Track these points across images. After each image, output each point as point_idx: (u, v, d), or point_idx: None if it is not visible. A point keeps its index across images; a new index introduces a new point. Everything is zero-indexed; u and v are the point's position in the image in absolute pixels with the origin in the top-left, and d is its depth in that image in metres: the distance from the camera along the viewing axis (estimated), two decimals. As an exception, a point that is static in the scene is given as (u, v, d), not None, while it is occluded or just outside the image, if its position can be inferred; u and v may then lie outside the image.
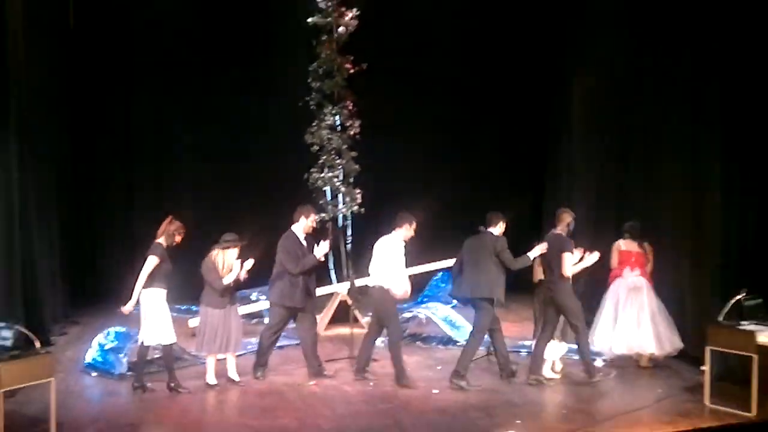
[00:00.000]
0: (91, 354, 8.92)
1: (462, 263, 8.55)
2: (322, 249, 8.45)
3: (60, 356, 8.99)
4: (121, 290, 12.26)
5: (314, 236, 8.68)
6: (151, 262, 8.21)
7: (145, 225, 12.80)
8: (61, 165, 11.38)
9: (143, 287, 8.14)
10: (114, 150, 12.77)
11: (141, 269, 8.15)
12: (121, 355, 8.74)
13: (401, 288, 8.47)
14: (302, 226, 8.67)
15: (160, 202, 12.92)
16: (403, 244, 8.64)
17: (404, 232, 8.60)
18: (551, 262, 8.45)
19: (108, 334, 9.09)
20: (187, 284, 12.16)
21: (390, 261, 8.51)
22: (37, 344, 7.17)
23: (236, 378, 8.38)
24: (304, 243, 8.60)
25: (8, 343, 6.76)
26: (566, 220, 8.63)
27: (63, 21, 12.03)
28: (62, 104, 11.65)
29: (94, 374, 8.69)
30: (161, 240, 8.40)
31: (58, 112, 11.38)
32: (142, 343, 8.20)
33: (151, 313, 8.21)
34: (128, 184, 12.88)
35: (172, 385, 8.12)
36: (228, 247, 8.51)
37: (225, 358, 8.47)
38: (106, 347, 8.88)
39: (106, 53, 12.66)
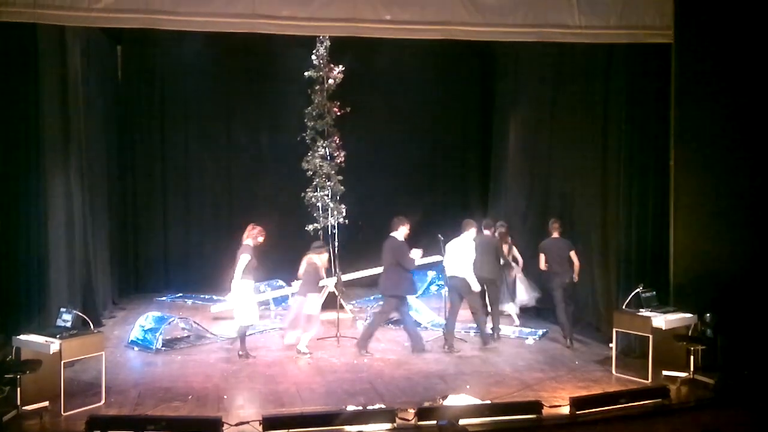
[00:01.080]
0: (134, 333, 8.85)
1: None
2: (417, 252, 8.63)
3: (109, 335, 8.92)
4: (158, 283, 12.35)
5: None
6: (244, 259, 8.34)
7: (177, 231, 12.80)
8: (111, 181, 11.30)
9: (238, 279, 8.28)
10: (152, 170, 12.65)
11: (236, 265, 8.31)
12: (158, 334, 8.65)
13: (472, 278, 8.72)
14: (402, 233, 8.75)
15: (188, 213, 12.89)
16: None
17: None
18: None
19: (147, 317, 9.01)
20: (208, 279, 12.23)
21: (464, 257, 8.75)
22: (91, 325, 7.16)
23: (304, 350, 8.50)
24: None
25: (68, 324, 6.72)
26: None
27: (113, 73, 12.04)
28: (112, 133, 11.58)
29: (135, 349, 8.62)
30: (248, 241, 8.49)
31: (109, 140, 11.29)
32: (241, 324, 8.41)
33: (244, 299, 8.34)
34: (164, 198, 12.75)
35: (241, 353, 8.27)
36: (320, 252, 8.90)
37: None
38: (146, 328, 8.80)
39: (146, 97, 12.60)
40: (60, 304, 7.51)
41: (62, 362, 6.37)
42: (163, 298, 11.80)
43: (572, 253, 8.96)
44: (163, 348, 8.57)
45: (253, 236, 8.55)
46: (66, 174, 8.69)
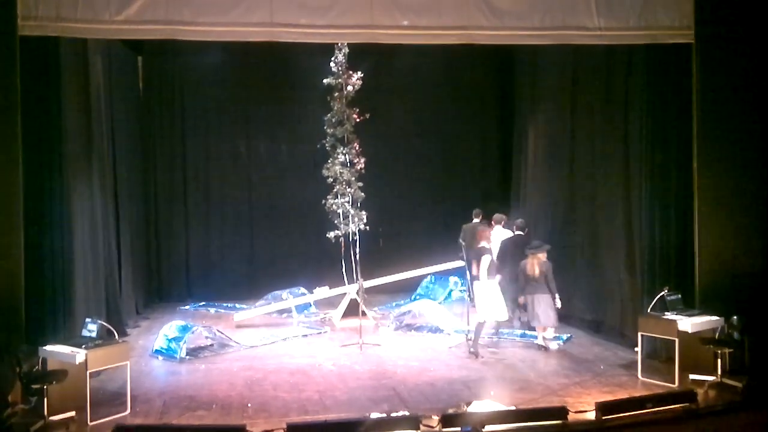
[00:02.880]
0: (158, 342, 8.92)
1: None
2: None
3: (133, 344, 8.99)
4: (181, 292, 12.45)
5: None
6: (486, 260, 8.75)
7: (199, 240, 12.90)
8: (133, 191, 11.42)
9: (485, 278, 8.74)
10: (173, 179, 12.79)
11: (480, 267, 8.76)
12: (182, 343, 8.71)
13: None
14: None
15: (209, 222, 12.99)
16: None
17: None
18: None
19: (171, 326, 9.08)
20: (230, 287, 12.31)
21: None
22: (116, 335, 7.24)
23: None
24: None
25: (94, 334, 6.79)
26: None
27: (134, 83, 12.21)
28: (134, 143, 11.72)
29: (160, 358, 8.69)
30: (483, 244, 8.89)
31: (132, 153, 11.46)
32: (481, 320, 8.76)
33: (489, 296, 8.75)
34: (185, 208, 12.88)
35: (472, 350, 8.62)
36: (538, 252, 9.03)
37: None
38: (170, 337, 8.86)
39: (167, 106, 12.73)
40: (85, 314, 7.62)
41: (88, 372, 6.44)
42: (187, 307, 11.90)
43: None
44: (187, 357, 8.64)
45: (487, 238, 8.99)
46: (89, 185, 8.80)
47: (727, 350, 7.29)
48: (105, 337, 6.97)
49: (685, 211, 8.19)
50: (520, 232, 10.13)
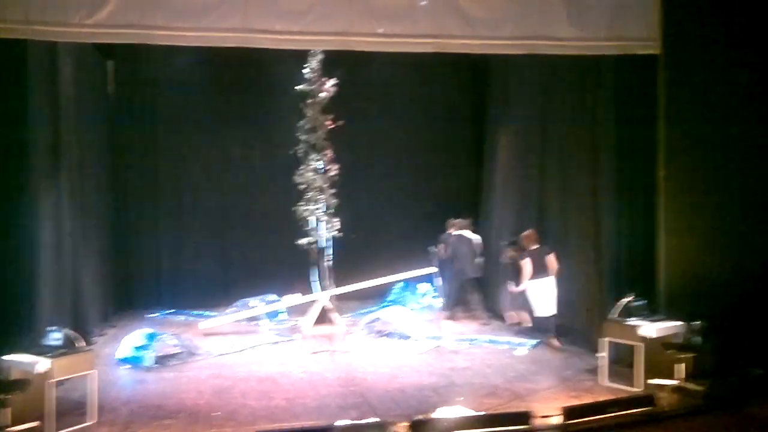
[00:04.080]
0: (124, 351, 8.86)
1: None
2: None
3: (99, 353, 8.87)
4: (149, 299, 12.35)
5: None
6: (528, 263, 9.64)
7: (168, 246, 12.83)
8: (102, 197, 11.31)
9: (530, 279, 9.62)
10: (143, 185, 12.71)
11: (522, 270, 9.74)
12: (149, 351, 8.68)
13: None
14: None
15: (180, 228, 12.91)
16: None
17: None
18: None
19: (138, 334, 9.03)
20: (200, 294, 12.25)
21: None
22: (82, 343, 7.16)
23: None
24: None
25: (58, 342, 6.72)
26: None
27: (104, 88, 12.11)
28: (103, 149, 11.61)
29: (127, 367, 8.64)
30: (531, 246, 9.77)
31: (101, 158, 11.35)
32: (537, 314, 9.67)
33: (539, 294, 9.62)
34: (155, 214, 12.79)
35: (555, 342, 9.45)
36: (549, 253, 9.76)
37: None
38: (137, 345, 8.81)
39: (137, 112, 12.67)
40: (49, 322, 7.53)
41: (52, 381, 6.38)
42: (155, 315, 11.81)
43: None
44: (155, 365, 8.59)
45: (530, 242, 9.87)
46: (56, 190, 8.71)
47: (688, 355, 7.45)
48: (70, 346, 6.86)
49: (650, 217, 8.34)
50: (462, 232, 11.30)
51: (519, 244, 10.11)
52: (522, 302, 10.11)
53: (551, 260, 9.59)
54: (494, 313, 11.44)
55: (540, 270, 9.59)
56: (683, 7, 8.10)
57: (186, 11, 7.43)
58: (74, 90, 9.45)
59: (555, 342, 9.48)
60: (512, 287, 10.13)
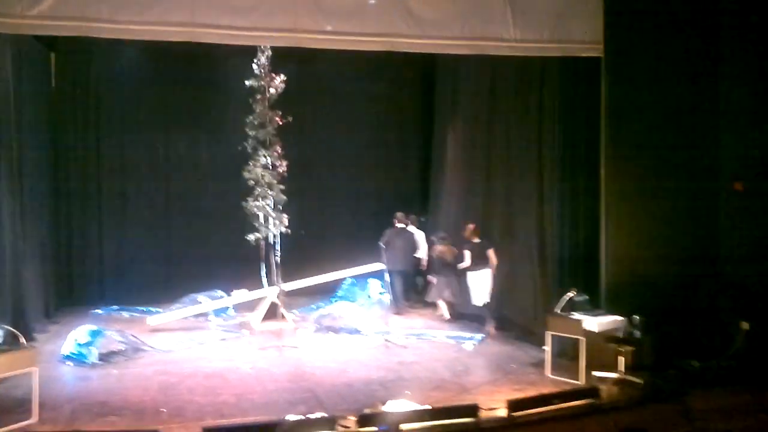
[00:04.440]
0: (68, 347, 8.67)
1: None
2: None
3: (42, 350, 8.64)
4: (93, 296, 12.11)
5: None
6: (468, 254, 10.24)
7: (112, 242, 12.59)
8: (43, 192, 11.05)
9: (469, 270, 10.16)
10: (86, 180, 12.41)
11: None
12: (93, 348, 8.51)
13: None
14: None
15: (124, 224, 12.69)
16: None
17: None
18: None
19: (82, 330, 8.83)
20: (144, 290, 12.07)
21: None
22: (23, 340, 7.01)
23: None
24: None
25: (-1, 340, 6.59)
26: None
27: (47, 81, 11.83)
28: (45, 143, 11.37)
29: (69, 364, 8.45)
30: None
31: (41, 150, 11.07)
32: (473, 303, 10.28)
33: (476, 285, 10.17)
34: (99, 209, 12.52)
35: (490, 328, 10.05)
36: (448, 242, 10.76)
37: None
38: (80, 341, 8.62)
39: (81, 105, 12.37)
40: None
41: (-7, 378, 6.26)
42: (99, 311, 11.57)
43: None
44: (99, 362, 8.44)
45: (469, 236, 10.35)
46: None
47: (628, 348, 7.68)
48: (10, 343, 6.69)
49: (593, 216, 8.57)
50: (402, 225, 11.79)
51: (447, 240, 10.90)
52: (447, 293, 10.88)
53: (491, 255, 10.10)
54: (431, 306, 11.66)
55: (479, 262, 10.11)
56: (626, 12, 8.35)
57: (132, 4, 7.32)
58: (15, 83, 9.21)
59: (492, 329, 9.95)
60: (432, 279, 11.06)
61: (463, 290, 10.58)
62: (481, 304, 10.20)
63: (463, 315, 10.80)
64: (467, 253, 10.23)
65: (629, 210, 8.40)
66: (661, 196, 8.47)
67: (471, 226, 10.38)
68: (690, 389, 7.29)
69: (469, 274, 10.27)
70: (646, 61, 8.43)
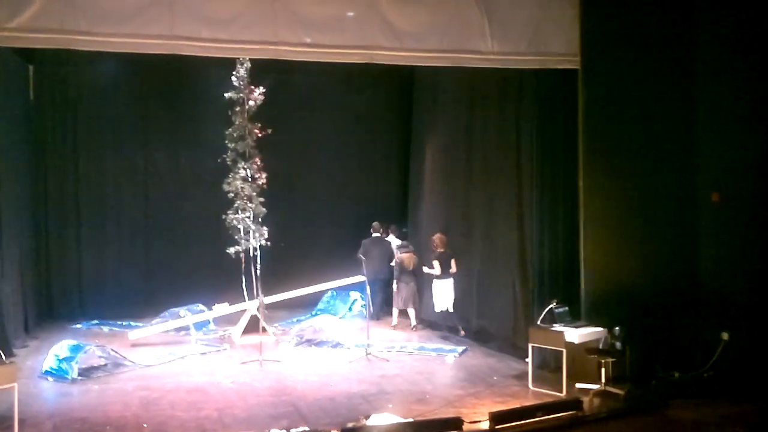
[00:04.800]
0: (48, 363, 8.56)
1: None
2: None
3: (21, 365, 8.58)
4: (72, 310, 11.98)
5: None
6: (437, 264, 10.67)
7: (92, 256, 12.46)
8: (21, 205, 10.94)
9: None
10: (65, 193, 12.31)
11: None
12: (74, 363, 8.42)
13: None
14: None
15: (103, 237, 12.58)
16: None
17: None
18: None
19: (62, 346, 8.73)
20: (125, 305, 11.97)
21: None
22: (2, 356, 6.91)
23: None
24: None
25: (-23, 356, 6.50)
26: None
27: (24, 93, 11.77)
28: (23, 156, 11.30)
29: (50, 379, 8.35)
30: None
31: (20, 165, 10.99)
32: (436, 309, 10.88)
33: (440, 292, 10.70)
34: (77, 223, 12.40)
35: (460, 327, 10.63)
36: (411, 251, 11.54)
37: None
38: (61, 357, 8.53)
39: (59, 118, 12.26)
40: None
41: (-29, 395, 6.17)
42: (79, 326, 11.46)
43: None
44: (80, 377, 8.35)
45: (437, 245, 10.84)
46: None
47: (610, 359, 7.73)
48: (-11, 358, 6.65)
49: (572, 227, 8.60)
50: (377, 234, 12.07)
51: (409, 249, 11.61)
52: (407, 301, 11.39)
53: (453, 264, 10.62)
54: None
55: (444, 271, 10.63)
56: (602, 24, 8.43)
57: (111, 16, 7.26)
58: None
59: (461, 332, 10.56)
60: (394, 287, 11.48)
61: (425, 297, 11.22)
62: (443, 310, 10.72)
63: (427, 321, 11.32)
64: (436, 263, 10.64)
65: (608, 221, 8.45)
66: (640, 206, 8.55)
67: (439, 236, 10.83)
68: (671, 400, 7.35)
69: (435, 282, 10.73)
70: (622, 71, 8.51)
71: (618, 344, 7.75)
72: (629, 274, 8.34)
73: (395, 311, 11.55)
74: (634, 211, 8.53)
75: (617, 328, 7.79)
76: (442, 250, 10.71)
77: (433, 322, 11.26)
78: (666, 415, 7.04)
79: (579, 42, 8.40)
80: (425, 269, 11.00)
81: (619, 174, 8.51)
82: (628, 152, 8.55)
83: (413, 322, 11.32)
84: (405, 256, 11.42)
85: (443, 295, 10.66)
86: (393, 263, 11.75)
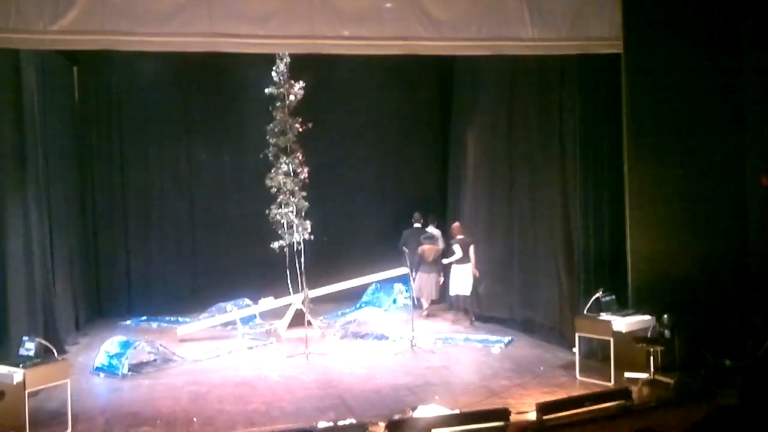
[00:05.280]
0: (99, 359, 8.76)
1: None
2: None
3: (73, 362, 8.79)
4: (121, 307, 12.24)
5: None
6: (458, 248, 11.11)
7: (139, 253, 12.70)
8: (70, 205, 11.20)
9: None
10: (112, 192, 12.56)
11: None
12: (124, 359, 8.60)
13: None
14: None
15: (150, 234, 12.80)
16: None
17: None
18: None
19: (112, 342, 8.93)
20: (172, 301, 12.17)
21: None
22: (55, 353, 7.10)
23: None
24: None
25: (31, 352, 6.66)
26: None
27: (70, 94, 12.01)
28: (71, 159, 11.55)
29: (101, 375, 8.54)
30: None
31: (68, 166, 11.26)
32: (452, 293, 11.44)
33: (458, 277, 11.08)
34: (125, 221, 12.64)
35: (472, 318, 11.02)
36: (433, 242, 11.59)
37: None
38: (111, 353, 8.72)
39: (104, 118, 12.50)
40: (22, 332, 7.46)
41: (26, 392, 6.31)
42: (128, 322, 11.70)
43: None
44: (130, 373, 8.52)
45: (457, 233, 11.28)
46: (23, 199, 8.61)
47: (658, 348, 7.59)
48: (43, 355, 6.79)
49: (618, 215, 8.47)
50: (418, 225, 12.18)
51: (434, 240, 11.75)
52: (426, 290, 11.58)
53: (472, 251, 11.00)
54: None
55: (462, 257, 10.97)
56: (645, 6, 8.25)
57: (150, 17, 7.37)
58: (39, 98, 9.33)
59: (472, 317, 10.92)
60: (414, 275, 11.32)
61: (444, 284, 11.58)
62: (459, 294, 11.14)
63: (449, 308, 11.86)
64: (457, 247, 11.04)
65: (654, 207, 8.28)
66: (687, 191, 8.37)
67: (456, 225, 11.36)
68: (721, 388, 7.19)
69: (454, 267, 11.12)
70: (666, 55, 8.31)
71: (667, 332, 7.61)
72: (677, 261, 8.17)
73: (423, 302, 11.67)
74: (681, 196, 8.35)
75: (665, 315, 7.64)
76: (461, 236, 11.11)
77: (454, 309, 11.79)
78: (717, 404, 6.85)
79: (621, 25, 8.23)
80: (444, 261, 11.35)
81: (665, 159, 8.34)
82: (674, 136, 8.36)
83: (424, 311, 11.62)
84: (427, 247, 11.49)
85: (460, 279, 11.00)
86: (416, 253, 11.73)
